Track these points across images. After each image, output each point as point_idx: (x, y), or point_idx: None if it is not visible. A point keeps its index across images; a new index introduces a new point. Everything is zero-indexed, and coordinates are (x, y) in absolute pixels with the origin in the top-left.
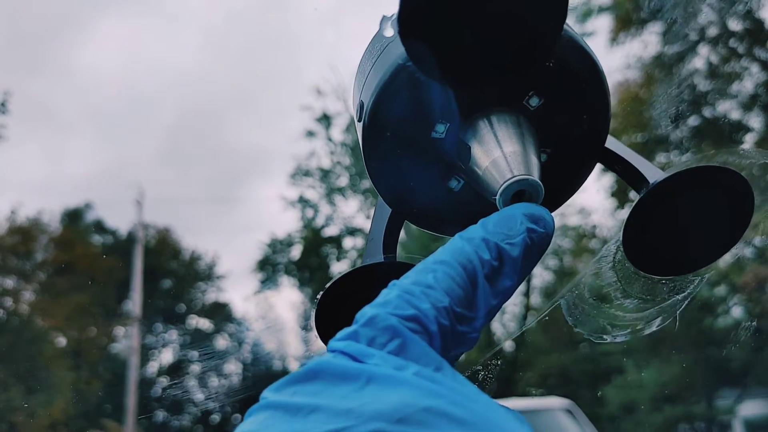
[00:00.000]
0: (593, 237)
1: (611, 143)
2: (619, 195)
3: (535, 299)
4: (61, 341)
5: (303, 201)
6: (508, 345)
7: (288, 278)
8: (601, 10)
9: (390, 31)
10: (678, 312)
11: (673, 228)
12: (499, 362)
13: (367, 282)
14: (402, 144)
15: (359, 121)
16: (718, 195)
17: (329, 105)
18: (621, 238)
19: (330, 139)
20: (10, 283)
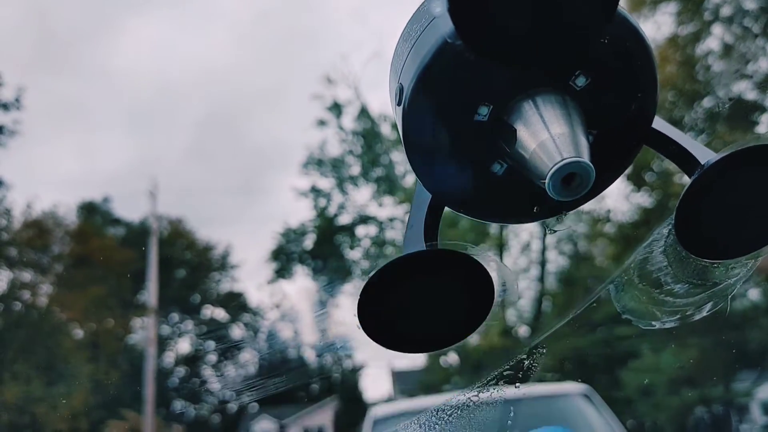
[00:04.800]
0: (608, 221)
1: (659, 124)
2: (634, 178)
3: (551, 284)
4: (79, 333)
5: (315, 190)
6: (524, 330)
7: (302, 267)
8: None
9: (438, 7)
10: (730, 297)
11: (726, 210)
12: (544, 350)
13: (408, 271)
14: (443, 128)
15: (398, 104)
16: None
17: (340, 93)
18: (673, 221)
19: (341, 128)
20: (27, 276)
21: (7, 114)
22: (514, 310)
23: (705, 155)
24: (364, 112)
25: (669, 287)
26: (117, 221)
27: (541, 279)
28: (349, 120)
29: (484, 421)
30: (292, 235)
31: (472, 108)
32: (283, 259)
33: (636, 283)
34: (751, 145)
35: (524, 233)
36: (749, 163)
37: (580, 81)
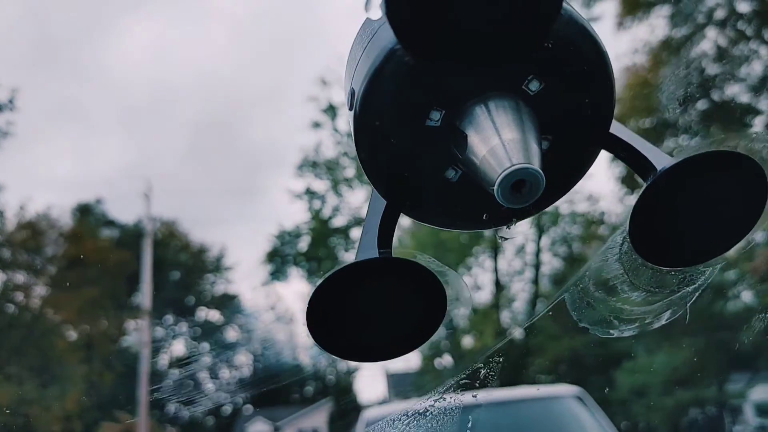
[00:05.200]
0: (602, 223)
1: (616, 129)
2: (628, 181)
3: (545, 286)
4: (73, 335)
5: (310, 192)
6: (518, 332)
7: (297, 269)
8: None
9: (377, 13)
10: (689, 305)
11: (683, 216)
12: (501, 360)
13: (359, 278)
14: (395, 133)
15: (350, 109)
16: (729, 181)
17: (335, 95)
18: (627, 228)
19: (336, 130)
20: (21, 278)
21: (1, 115)
22: (509, 312)
23: (662, 161)
24: None
25: (626, 295)
26: (111, 223)
27: (536, 281)
28: (343, 122)
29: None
30: (287, 237)
31: (424, 113)
32: (278, 262)
33: (592, 291)
34: (707, 151)
35: (519, 236)
36: (705, 168)
37: (534, 86)
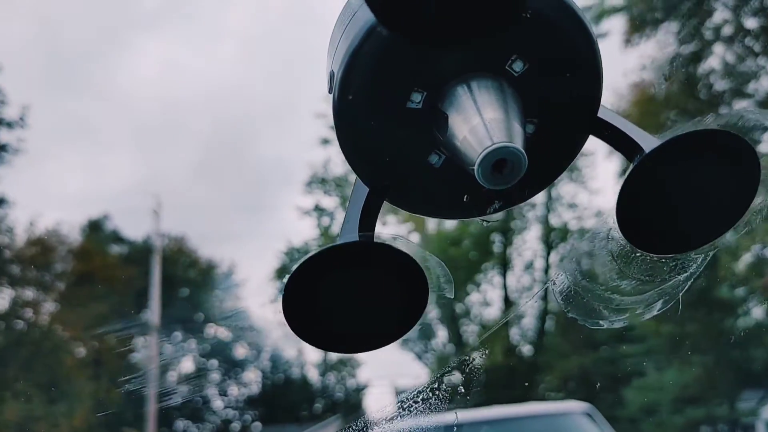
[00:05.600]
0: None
1: (604, 113)
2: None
3: (553, 303)
4: (81, 351)
5: (319, 209)
6: (527, 349)
7: None
8: (615, 10)
9: None
10: (681, 294)
11: (672, 200)
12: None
13: (340, 262)
14: (376, 116)
15: (330, 92)
16: (720, 161)
17: None
18: (615, 213)
19: None
20: (30, 294)
21: (12, 132)
22: (518, 329)
23: (650, 143)
24: None
25: (615, 284)
26: (120, 239)
27: (544, 298)
28: None
29: None
30: (296, 254)
31: (405, 95)
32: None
33: (579, 280)
34: (695, 130)
35: (528, 252)
36: (694, 148)
37: (518, 66)
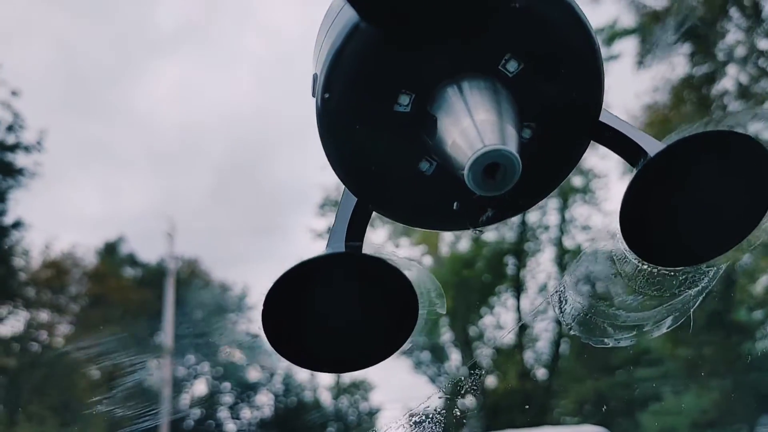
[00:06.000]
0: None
1: (606, 117)
2: None
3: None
4: (95, 373)
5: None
6: (542, 373)
7: None
8: (627, 33)
9: None
10: (692, 310)
11: (681, 209)
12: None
13: (324, 275)
14: (362, 120)
15: (313, 96)
16: (732, 166)
17: None
18: (618, 222)
19: None
20: (45, 316)
21: (29, 156)
22: (532, 352)
23: (657, 148)
24: None
25: (620, 299)
26: (135, 262)
27: (559, 321)
28: None
29: None
30: None
31: (391, 97)
32: None
33: (582, 295)
34: (704, 131)
35: (541, 274)
36: (703, 152)
37: (512, 66)
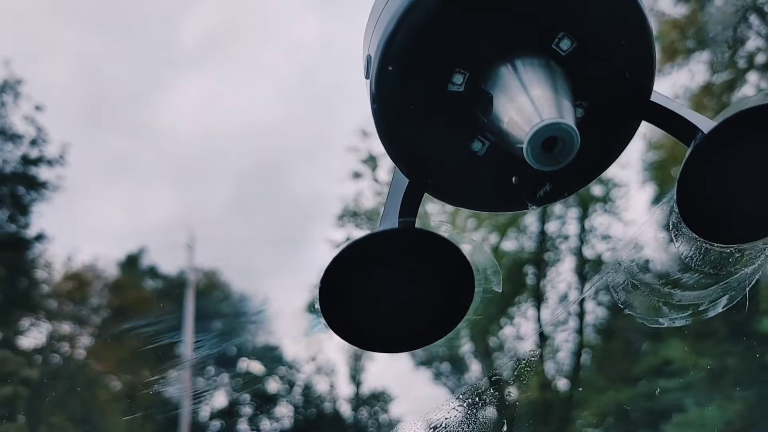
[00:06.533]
0: (647, 272)
1: (657, 98)
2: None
3: (589, 336)
4: (115, 385)
5: None
6: (562, 383)
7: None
8: None
9: None
10: (748, 288)
11: (737, 184)
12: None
13: (379, 252)
14: (414, 101)
15: (366, 77)
16: None
17: (375, 146)
18: (675, 198)
19: (376, 180)
20: (66, 328)
21: (52, 170)
22: (553, 362)
23: (710, 125)
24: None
25: (676, 277)
26: (155, 273)
27: (580, 331)
28: (384, 172)
29: None
30: None
31: (446, 77)
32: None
33: (636, 272)
34: (764, 103)
35: (562, 284)
36: (757, 125)
37: (565, 44)
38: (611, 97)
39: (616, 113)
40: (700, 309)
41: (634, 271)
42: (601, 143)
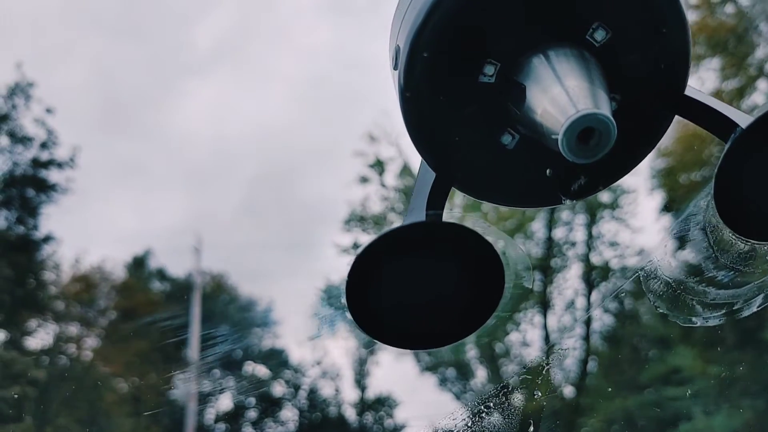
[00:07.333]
0: (655, 279)
1: (691, 91)
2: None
3: (596, 343)
4: (122, 387)
5: (357, 247)
6: (569, 390)
7: (344, 324)
8: None
9: None
10: None
11: None
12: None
13: (406, 246)
14: (444, 91)
15: (395, 68)
16: None
17: (382, 150)
18: (712, 193)
19: (383, 185)
20: (74, 330)
21: (62, 172)
22: (560, 370)
23: (746, 121)
24: (406, 169)
25: (710, 274)
26: (163, 276)
27: (587, 338)
28: (391, 177)
29: None
30: (334, 292)
31: (476, 67)
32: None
33: (671, 270)
34: None
35: (568, 291)
36: None
37: (599, 35)
38: (645, 90)
39: (650, 106)
40: (735, 308)
41: (668, 267)
42: (634, 137)
